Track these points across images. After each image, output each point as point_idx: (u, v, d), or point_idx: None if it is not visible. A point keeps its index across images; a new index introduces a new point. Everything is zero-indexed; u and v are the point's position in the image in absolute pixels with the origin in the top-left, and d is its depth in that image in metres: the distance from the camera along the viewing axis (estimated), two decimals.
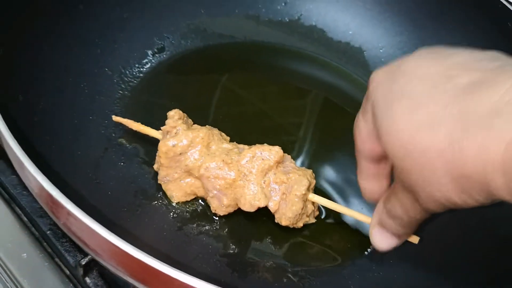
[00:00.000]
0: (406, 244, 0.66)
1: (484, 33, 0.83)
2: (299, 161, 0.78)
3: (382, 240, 0.59)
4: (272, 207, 0.66)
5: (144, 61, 0.86)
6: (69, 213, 0.47)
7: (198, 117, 0.74)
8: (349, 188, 0.76)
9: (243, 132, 0.78)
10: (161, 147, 0.67)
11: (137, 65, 0.85)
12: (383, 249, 0.60)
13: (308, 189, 0.67)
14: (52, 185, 0.48)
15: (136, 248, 0.45)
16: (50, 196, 0.48)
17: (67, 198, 0.48)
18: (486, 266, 0.63)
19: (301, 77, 0.93)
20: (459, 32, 0.87)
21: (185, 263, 0.62)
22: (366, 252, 0.69)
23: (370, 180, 0.60)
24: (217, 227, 0.69)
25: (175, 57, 0.89)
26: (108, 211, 0.64)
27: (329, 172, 0.78)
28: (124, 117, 0.73)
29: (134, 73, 0.84)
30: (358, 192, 0.64)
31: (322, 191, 0.74)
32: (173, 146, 0.66)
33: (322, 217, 0.72)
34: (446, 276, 0.64)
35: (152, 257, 0.44)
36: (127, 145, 0.74)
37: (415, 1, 0.91)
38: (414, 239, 0.66)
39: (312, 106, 0.88)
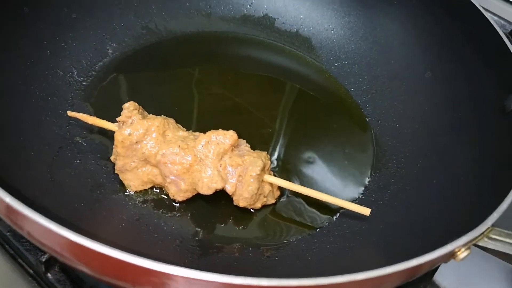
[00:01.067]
0: (359, 219, 0.70)
1: (427, 6, 0.86)
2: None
3: None
4: (229, 189, 0.68)
5: (97, 59, 0.87)
6: (23, 217, 0.46)
7: (154, 111, 0.75)
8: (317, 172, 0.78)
9: (204, 115, 0.81)
10: (117, 136, 0.68)
11: (89, 64, 0.86)
12: None
13: (263, 170, 0.68)
14: (5, 192, 0.47)
15: (92, 240, 0.45)
16: (4, 203, 0.48)
17: (20, 202, 0.47)
18: (422, 239, 0.65)
19: (256, 62, 0.94)
20: (406, 8, 0.90)
21: (145, 252, 0.63)
22: (323, 227, 0.72)
23: None
24: (178, 214, 0.70)
25: (128, 54, 0.90)
26: (65, 209, 0.64)
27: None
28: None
29: (87, 72, 0.85)
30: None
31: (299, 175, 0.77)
32: (129, 134, 0.68)
33: (283, 198, 0.74)
34: (391, 247, 0.66)
35: (109, 246, 0.44)
36: (83, 143, 0.75)
37: None
38: (365, 211, 0.68)
39: (268, 88, 0.90)
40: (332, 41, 0.95)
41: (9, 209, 0.47)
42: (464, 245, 0.49)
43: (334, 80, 0.92)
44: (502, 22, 1.05)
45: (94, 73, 0.85)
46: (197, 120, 0.82)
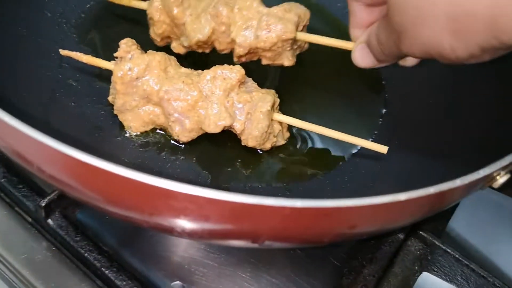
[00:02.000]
0: (374, 158, 0.67)
1: None
2: None
3: (363, 57, 0.59)
4: (238, 127, 0.65)
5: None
6: (33, 142, 0.42)
7: None
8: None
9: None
10: (116, 71, 0.64)
11: (78, 5, 0.81)
12: (360, 65, 0.60)
13: (272, 108, 0.65)
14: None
15: (107, 161, 0.40)
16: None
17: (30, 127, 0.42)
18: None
19: None
20: None
21: None
22: (336, 167, 0.69)
23: (359, 29, 0.60)
24: (182, 156, 0.67)
25: None
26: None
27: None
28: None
29: (77, 13, 0.80)
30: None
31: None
32: (129, 69, 0.64)
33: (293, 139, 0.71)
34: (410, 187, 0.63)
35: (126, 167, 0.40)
36: (77, 86, 0.71)
37: None
38: (383, 149, 0.65)
39: None
40: None
41: (19, 136, 0.42)
42: (505, 167, 0.45)
43: (337, 20, 0.87)
44: None
45: (83, 15, 0.80)
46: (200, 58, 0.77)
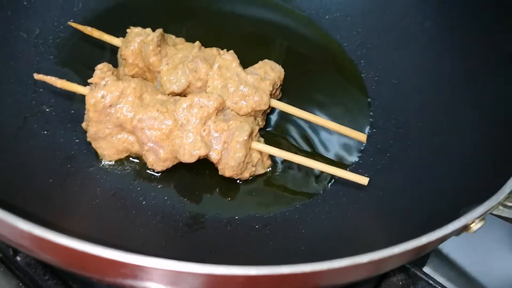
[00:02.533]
0: (356, 186, 0.65)
1: None
2: None
3: None
4: (214, 156, 0.63)
5: (64, 19, 0.79)
6: None
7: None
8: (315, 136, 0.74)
9: None
10: (89, 98, 0.63)
11: (56, 25, 0.79)
12: None
13: (250, 136, 0.64)
14: None
15: (49, 230, 0.39)
16: None
17: None
18: (427, 207, 0.61)
19: (241, 18, 0.87)
20: None
21: (120, 232, 0.59)
22: (317, 195, 0.67)
23: None
24: (157, 186, 0.65)
25: (99, 12, 0.83)
26: (32, 187, 0.60)
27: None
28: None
29: (54, 34, 0.78)
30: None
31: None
32: (102, 97, 0.62)
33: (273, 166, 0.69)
34: (392, 217, 0.62)
35: (69, 237, 0.39)
36: (51, 112, 0.70)
37: None
38: (363, 181, 0.64)
39: (254, 46, 0.84)
40: None
41: None
42: (479, 217, 0.44)
43: (325, 34, 0.86)
44: None
45: (61, 34, 0.78)
46: None
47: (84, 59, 0.76)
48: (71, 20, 0.78)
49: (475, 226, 0.45)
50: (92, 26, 0.74)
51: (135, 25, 0.72)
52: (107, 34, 0.74)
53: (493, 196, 0.44)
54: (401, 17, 0.82)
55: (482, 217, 0.44)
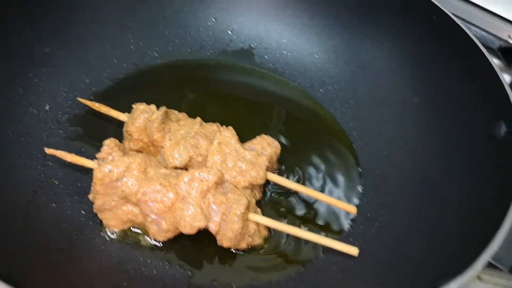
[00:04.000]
0: (347, 255, 0.69)
1: (413, 28, 0.86)
2: None
3: None
4: (212, 228, 0.67)
5: (73, 94, 0.86)
6: None
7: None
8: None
9: None
10: (96, 173, 0.68)
11: (64, 100, 0.85)
12: None
13: (247, 208, 0.68)
14: None
15: None
16: None
17: None
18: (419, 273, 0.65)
19: (240, 87, 0.94)
20: (390, 32, 0.90)
21: None
22: (310, 263, 0.71)
23: None
24: (159, 255, 0.70)
25: (106, 87, 0.89)
26: (40, 260, 0.64)
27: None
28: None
29: (62, 108, 0.84)
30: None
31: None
32: (109, 171, 0.67)
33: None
34: (387, 284, 0.66)
35: None
36: (60, 184, 0.75)
37: (344, 4, 0.93)
38: (353, 251, 0.68)
39: (253, 113, 0.91)
40: (316, 65, 0.95)
41: None
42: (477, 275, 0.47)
43: (319, 106, 0.92)
44: (491, 37, 1.06)
45: (69, 109, 0.84)
46: None
47: (92, 133, 0.82)
48: (79, 96, 0.84)
49: None
50: (99, 99, 0.81)
51: (140, 97, 0.78)
52: (114, 109, 0.79)
53: (465, 272, 0.48)
54: (391, 92, 0.88)
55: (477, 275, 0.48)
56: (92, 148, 0.76)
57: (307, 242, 0.72)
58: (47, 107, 0.83)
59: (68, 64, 0.88)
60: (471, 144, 0.72)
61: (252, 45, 0.98)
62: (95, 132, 0.82)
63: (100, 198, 0.69)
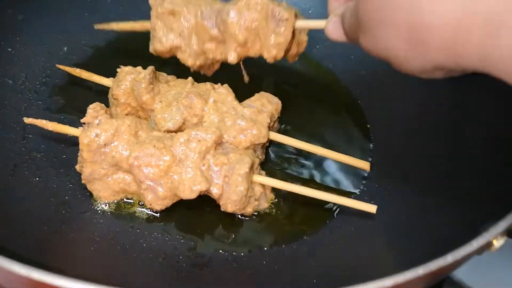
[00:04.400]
0: (363, 214, 0.64)
1: None
2: None
3: (335, 30, 0.57)
4: (215, 191, 0.61)
5: (50, 63, 0.79)
6: None
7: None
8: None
9: None
10: (82, 138, 0.61)
11: (42, 70, 0.78)
12: (331, 37, 0.58)
13: (251, 169, 0.62)
14: None
15: (53, 275, 0.39)
16: None
17: None
18: (439, 229, 0.59)
19: None
20: None
21: (121, 277, 0.56)
22: (324, 226, 0.65)
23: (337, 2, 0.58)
24: (157, 226, 0.63)
25: (87, 54, 0.82)
26: (26, 236, 0.58)
27: None
28: (37, 126, 0.66)
29: (40, 79, 0.77)
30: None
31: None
32: (96, 136, 0.61)
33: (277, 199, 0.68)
34: (405, 243, 0.61)
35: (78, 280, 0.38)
36: (42, 158, 0.68)
37: None
38: (372, 209, 0.63)
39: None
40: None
41: None
42: (502, 232, 0.42)
43: (316, 63, 0.85)
44: None
45: (48, 78, 0.77)
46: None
47: (74, 103, 0.75)
48: (60, 63, 0.77)
49: (497, 243, 0.43)
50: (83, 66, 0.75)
51: (124, 65, 0.71)
52: (97, 74, 0.73)
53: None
54: None
55: (505, 232, 0.42)
56: (75, 119, 0.69)
57: (318, 204, 0.66)
58: (23, 77, 0.76)
59: (44, 31, 0.81)
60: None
61: None
62: (78, 102, 0.75)
63: (88, 166, 0.62)
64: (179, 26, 0.68)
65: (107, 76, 0.73)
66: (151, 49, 0.71)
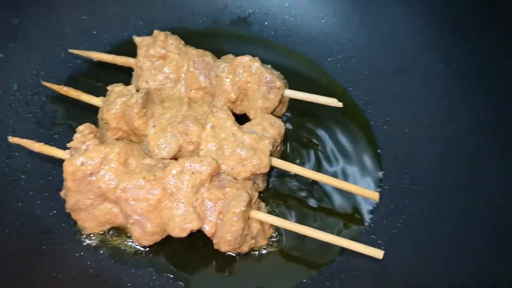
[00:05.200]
0: (368, 257, 0.58)
1: None
2: None
3: None
4: (208, 230, 0.56)
5: (45, 72, 0.74)
6: None
7: None
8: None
9: None
10: (66, 166, 0.56)
11: (35, 79, 0.73)
12: None
13: (249, 205, 0.57)
14: None
15: None
16: None
17: None
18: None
19: None
20: None
21: None
22: (326, 268, 0.60)
23: None
24: (144, 263, 0.58)
25: (86, 60, 0.76)
26: (4, 270, 0.54)
27: None
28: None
29: (33, 89, 0.72)
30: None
31: None
32: (81, 164, 0.56)
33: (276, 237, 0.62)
34: None
35: None
36: (27, 179, 0.64)
37: None
38: (378, 254, 0.57)
39: None
40: (323, 31, 0.82)
41: None
42: None
43: (328, 77, 0.79)
44: None
45: (40, 89, 0.72)
46: None
47: (66, 115, 0.70)
48: (52, 73, 0.72)
49: None
50: (78, 78, 0.71)
51: (126, 73, 0.68)
52: (85, 93, 0.68)
53: None
54: (413, 58, 0.75)
55: None
56: (67, 136, 0.64)
57: (321, 243, 0.60)
58: (14, 87, 0.71)
59: (40, 37, 0.76)
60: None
61: (249, 11, 0.85)
62: (71, 116, 0.71)
63: (73, 196, 0.57)
64: (168, 70, 0.67)
65: (105, 87, 0.67)
66: (132, 87, 0.65)
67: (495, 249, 0.53)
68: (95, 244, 0.59)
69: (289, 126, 0.72)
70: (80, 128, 0.59)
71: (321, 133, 0.73)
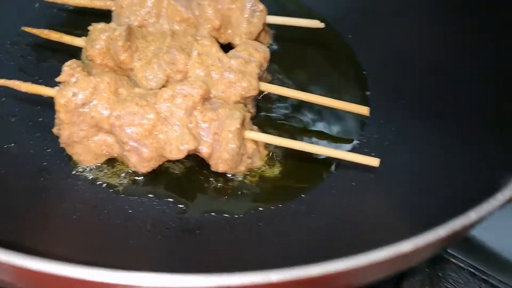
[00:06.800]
0: (364, 168, 0.58)
1: None
2: None
3: None
4: (204, 150, 0.56)
5: (21, 22, 0.70)
6: None
7: None
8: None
9: None
10: (58, 98, 0.55)
11: (14, 28, 0.71)
12: None
13: (243, 124, 0.56)
14: None
15: (35, 258, 0.33)
16: None
17: None
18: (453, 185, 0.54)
19: None
20: None
21: (106, 247, 0.51)
22: (322, 183, 0.60)
23: None
24: (143, 190, 0.58)
25: (63, 11, 0.75)
26: (2, 208, 0.53)
27: None
28: (9, 88, 0.59)
29: (12, 38, 0.71)
30: None
31: None
32: (73, 95, 0.55)
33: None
34: (413, 199, 0.55)
35: (60, 263, 0.32)
36: (17, 122, 0.62)
37: None
38: (374, 162, 0.57)
39: None
40: None
41: None
42: None
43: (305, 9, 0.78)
44: None
45: (19, 37, 0.71)
46: None
47: (48, 62, 0.69)
48: (30, 23, 0.70)
49: None
50: (55, 27, 0.67)
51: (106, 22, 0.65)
52: (67, 35, 0.66)
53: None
54: None
55: None
56: (52, 80, 0.62)
57: (315, 159, 0.61)
58: None
59: None
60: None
61: None
62: (53, 61, 0.69)
63: (66, 128, 0.56)
64: (148, 6, 0.66)
65: (84, 34, 0.65)
66: (113, 24, 0.64)
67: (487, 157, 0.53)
68: (92, 177, 0.58)
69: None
70: (68, 62, 0.58)
71: (305, 60, 0.72)
